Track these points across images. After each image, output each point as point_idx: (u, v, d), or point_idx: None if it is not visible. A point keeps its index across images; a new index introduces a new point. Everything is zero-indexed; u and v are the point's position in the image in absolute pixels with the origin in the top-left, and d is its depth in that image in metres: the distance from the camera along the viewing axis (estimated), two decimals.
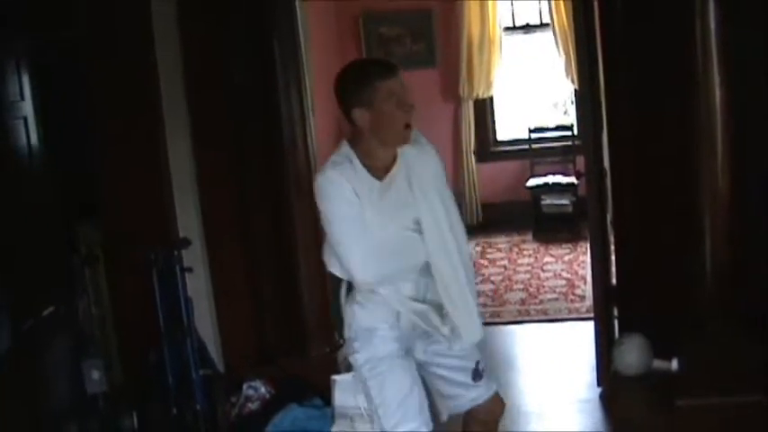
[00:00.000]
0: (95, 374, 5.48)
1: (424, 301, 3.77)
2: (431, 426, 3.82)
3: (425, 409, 3.81)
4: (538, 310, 7.78)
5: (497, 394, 4.09)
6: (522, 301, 8.05)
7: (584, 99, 5.90)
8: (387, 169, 3.69)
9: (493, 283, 8.71)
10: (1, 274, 5.69)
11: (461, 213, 3.97)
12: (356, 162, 3.63)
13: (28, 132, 6.26)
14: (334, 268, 3.78)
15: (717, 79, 5.34)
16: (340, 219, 3.62)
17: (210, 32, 6.13)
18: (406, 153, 3.71)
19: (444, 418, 3.99)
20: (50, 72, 6.24)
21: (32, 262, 5.92)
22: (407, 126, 3.64)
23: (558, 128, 10.62)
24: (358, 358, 3.81)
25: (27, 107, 6.27)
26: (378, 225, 3.61)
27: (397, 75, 3.62)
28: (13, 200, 5.92)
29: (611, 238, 6.32)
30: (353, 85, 3.65)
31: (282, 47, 6.33)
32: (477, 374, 3.91)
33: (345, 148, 3.69)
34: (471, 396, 3.95)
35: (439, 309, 3.76)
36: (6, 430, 5.25)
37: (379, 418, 3.80)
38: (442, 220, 3.75)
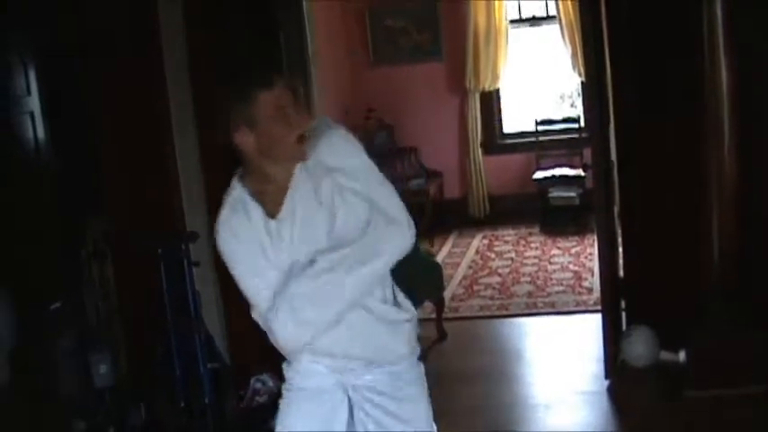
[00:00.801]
0: (103, 368, 5.49)
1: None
2: None
3: None
4: (545, 303, 7.78)
5: None
6: (530, 294, 8.04)
7: (591, 91, 5.90)
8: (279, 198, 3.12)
9: (500, 275, 8.70)
10: (8, 270, 5.71)
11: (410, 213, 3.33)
12: (248, 201, 3.16)
13: (35, 127, 6.28)
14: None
15: (724, 69, 5.34)
16: (237, 266, 3.18)
17: (217, 26, 6.11)
18: (302, 169, 3.08)
19: None
20: (56, 67, 6.25)
21: (39, 257, 5.94)
22: (301, 139, 3.00)
23: (564, 120, 10.60)
24: (283, 388, 3.31)
25: (33, 102, 6.29)
26: (288, 272, 3.07)
27: (278, 84, 2.98)
28: (19, 194, 5.94)
29: (619, 230, 6.32)
30: (233, 102, 3.08)
31: (289, 41, 6.33)
32: None
33: (234, 188, 3.23)
34: None
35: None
36: (14, 425, 5.26)
37: None
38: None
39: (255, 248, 3.11)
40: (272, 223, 3.09)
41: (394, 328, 3.17)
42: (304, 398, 3.19)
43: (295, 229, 3.07)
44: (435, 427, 3.31)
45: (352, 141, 3.14)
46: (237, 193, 3.20)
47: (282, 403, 3.26)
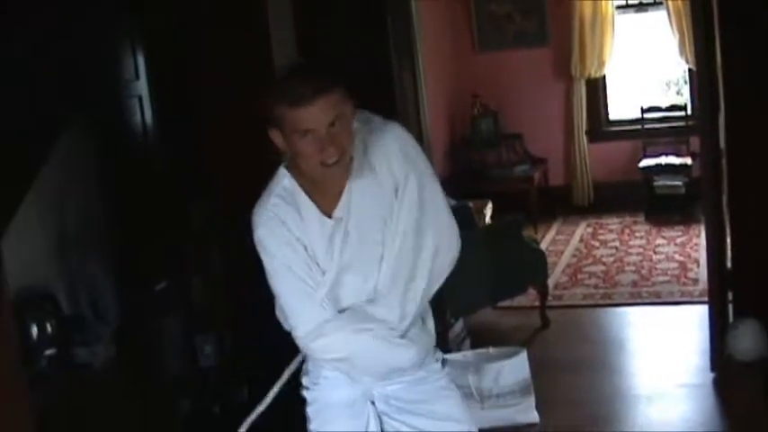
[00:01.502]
0: (207, 349, 5.57)
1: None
2: None
3: None
4: (650, 293, 7.69)
5: None
6: (634, 284, 7.96)
7: (701, 78, 5.80)
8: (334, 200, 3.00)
9: (604, 264, 8.62)
10: (116, 249, 5.82)
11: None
12: (298, 194, 3.03)
13: (143, 110, 6.38)
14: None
15: None
16: (278, 268, 3.10)
17: (325, 14, 6.15)
18: (353, 185, 2.97)
19: None
20: (164, 51, 6.34)
21: (147, 238, 6.04)
22: (327, 164, 2.86)
23: (671, 108, 10.44)
24: (306, 395, 3.27)
25: (142, 86, 6.39)
26: (334, 279, 3.00)
27: (311, 103, 2.78)
28: (128, 177, 6.04)
29: (727, 221, 6.21)
30: (269, 99, 2.89)
31: (396, 26, 6.34)
32: None
33: (284, 176, 3.09)
34: None
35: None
36: (120, 404, 5.36)
37: None
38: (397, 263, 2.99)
39: (300, 253, 3.01)
40: (328, 221, 2.99)
41: (406, 348, 3.05)
42: (336, 414, 3.16)
43: (352, 229, 2.97)
44: (475, 429, 3.24)
45: (412, 144, 3.05)
46: (287, 182, 3.05)
47: (312, 422, 3.23)
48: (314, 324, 3.03)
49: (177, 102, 6.29)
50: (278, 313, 3.22)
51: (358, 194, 2.96)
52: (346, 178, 2.95)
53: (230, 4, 5.85)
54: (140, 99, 6.42)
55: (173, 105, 6.38)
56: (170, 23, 6.15)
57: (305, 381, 3.26)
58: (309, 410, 3.23)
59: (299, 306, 3.06)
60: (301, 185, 3.00)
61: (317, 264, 3.00)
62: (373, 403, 3.15)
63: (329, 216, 2.97)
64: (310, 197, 3.00)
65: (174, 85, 6.29)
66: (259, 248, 3.12)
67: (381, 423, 3.15)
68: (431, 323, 3.19)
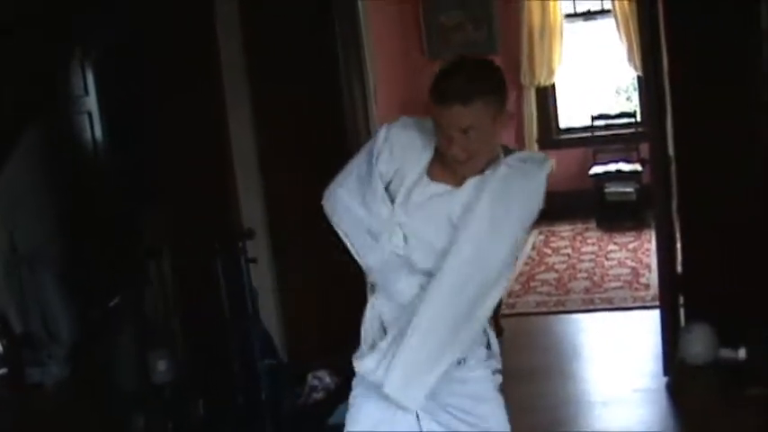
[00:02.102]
0: (162, 365, 5.53)
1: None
2: None
3: None
4: (602, 299, 7.73)
5: None
6: (587, 290, 8.00)
7: (649, 85, 5.85)
8: (452, 180, 2.98)
9: (557, 271, 8.67)
10: (68, 266, 5.77)
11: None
12: (430, 147, 3.01)
13: (92, 126, 6.35)
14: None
15: None
16: (360, 161, 3.12)
17: (272, 21, 6.14)
18: (486, 184, 2.94)
19: None
20: (113, 66, 6.31)
21: (99, 254, 6.00)
22: (457, 160, 2.90)
23: (621, 115, 10.54)
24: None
25: (91, 102, 6.36)
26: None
27: (452, 105, 2.79)
28: (78, 193, 6.00)
29: (677, 226, 6.26)
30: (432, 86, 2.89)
31: (344, 35, 6.33)
32: None
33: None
34: None
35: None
36: (74, 420, 5.32)
37: None
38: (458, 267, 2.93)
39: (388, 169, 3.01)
40: (426, 180, 2.98)
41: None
42: (372, 397, 3.17)
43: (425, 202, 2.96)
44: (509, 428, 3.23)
45: (538, 199, 3.10)
46: (431, 125, 2.96)
47: (352, 402, 3.28)
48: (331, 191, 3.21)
49: (127, 116, 6.26)
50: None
51: (466, 193, 2.94)
52: (470, 174, 2.94)
53: (177, 14, 5.82)
54: (90, 115, 6.39)
55: (123, 120, 6.35)
56: (118, 38, 6.12)
57: (354, 357, 3.29)
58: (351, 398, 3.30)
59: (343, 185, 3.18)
60: (436, 142, 2.97)
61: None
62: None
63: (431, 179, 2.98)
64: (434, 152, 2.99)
65: (125, 99, 6.26)
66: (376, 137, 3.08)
67: (419, 418, 3.11)
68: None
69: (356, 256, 3.15)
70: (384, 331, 3.14)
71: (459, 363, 3.05)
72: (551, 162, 3.10)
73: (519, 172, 2.99)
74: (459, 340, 2.99)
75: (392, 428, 3.11)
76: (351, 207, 3.11)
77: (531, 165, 3.05)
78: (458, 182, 2.95)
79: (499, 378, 3.21)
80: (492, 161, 2.95)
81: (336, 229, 3.22)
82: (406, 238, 2.96)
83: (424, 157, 2.99)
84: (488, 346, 3.19)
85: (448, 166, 2.94)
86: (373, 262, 3.07)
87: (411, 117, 3.11)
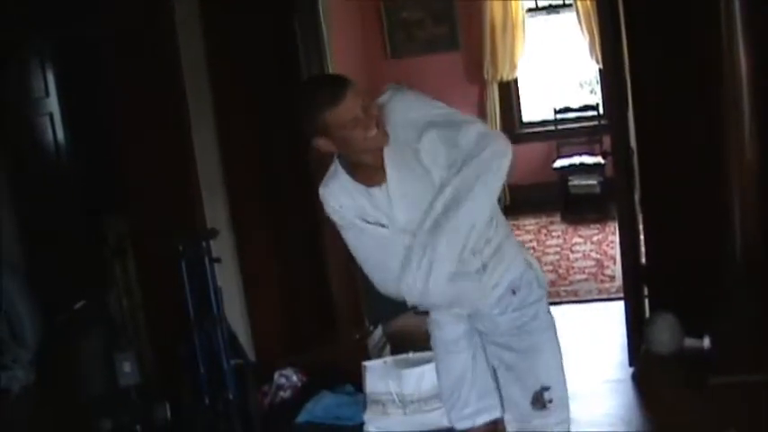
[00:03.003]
0: (127, 366, 5.51)
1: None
2: (496, 413, 3.57)
3: (485, 395, 3.55)
4: (568, 292, 7.76)
5: None
6: (552, 283, 8.01)
7: (610, 78, 5.87)
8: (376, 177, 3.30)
9: None
10: (33, 270, 5.74)
11: None
12: (347, 181, 3.34)
13: (54, 128, 6.32)
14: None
15: (742, 53, 5.31)
16: (354, 240, 3.42)
17: (233, 22, 6.12)
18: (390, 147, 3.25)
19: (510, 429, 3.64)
20: (75, 68, 6.28)
21: (63, 256, 5.97)
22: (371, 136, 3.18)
23: (583, 108, 10.55)
24: (431, 337, 3.65)
25: (52, 104, 6.33)
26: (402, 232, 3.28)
27: (344, 98, 3.08)
28: (41, 196, 5.97)
29: (640, 217, 6.29)
30: (305, 116, 3.17)
31: (304, 33, 6.32)
32: (537, 400, 3.49)
33: (337, 167, 3.39)
34: (531, 423, 3.54)
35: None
36: (40, 425, 5.29)
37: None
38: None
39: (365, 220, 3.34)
40: (376, 190, 3.28)
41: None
42: (446, 350, 3.54)
43: (402, 188, 3.25)
44: (562, 374, 3.58)
45: (421, 98, 3.41)
46: (338, 171, 3.37)
47: (435, 353, 3.61)
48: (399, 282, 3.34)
49: (90, 118, 6.23)
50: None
51: (396, 164, 3.26)
52: (381, 157, 3.25)
53: (136, 19, 5.80)
54: (51, 116, 6.36)
55: (86, 121, 6.32)
56: (80, 40, 6.09)
57: (428, 323, 3.60)
58: (434, 352, 3.63)
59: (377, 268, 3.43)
60: (348, 171, 3.33)
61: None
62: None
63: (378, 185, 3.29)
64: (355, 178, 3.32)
65: (87, 100, 6.23)
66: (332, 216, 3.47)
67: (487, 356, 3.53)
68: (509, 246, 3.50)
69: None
70: None
71: (513, 293, 3.43)
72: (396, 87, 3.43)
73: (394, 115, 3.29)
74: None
75: (464, 360, 3.52)
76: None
77: (390, 98, 3.34)
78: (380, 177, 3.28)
79: (552, 319, 3.59)
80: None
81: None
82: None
83: (356, 189, 3.32)
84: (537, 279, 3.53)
85: (366, 169, 3.30)
86: None
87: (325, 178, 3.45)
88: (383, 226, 3.31)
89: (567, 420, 3.61)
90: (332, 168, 3.40)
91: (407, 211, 3.26)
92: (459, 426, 3.62)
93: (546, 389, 3.48)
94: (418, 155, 3.24)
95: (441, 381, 3.64)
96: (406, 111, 3.31)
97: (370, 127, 3.15)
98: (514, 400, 3.53)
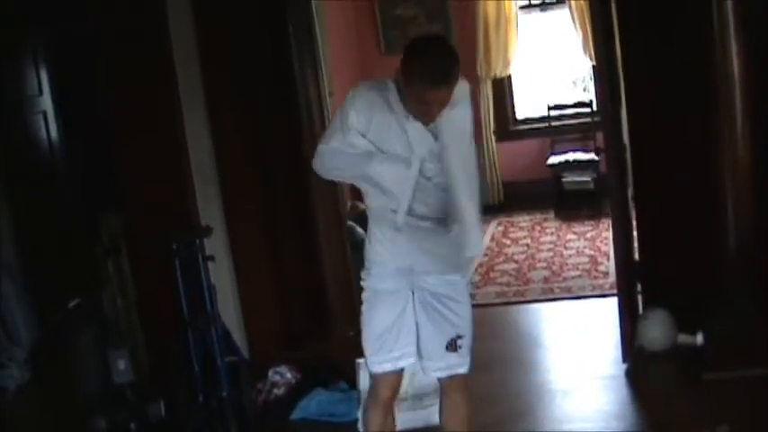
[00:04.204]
0: (122, 364, 5.51)
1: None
2: (411, 359, 4.09)
3: (407, 343, 4.05)
4: (561, 288, 7.77)
5: (462, 377, 4.20)
6: (546, 279, 8.04)
7: (602, 75, 5.88)
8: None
9: (516, 262, 8.70)
10: (27, 268, 5.74)
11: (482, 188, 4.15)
12: (393, 94, 3.74)
13: (47, 126, 6.31)
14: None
15: (734, 49, 5.34)
16: (334, 127, 3.87)
17: (225, 17, 6.13)
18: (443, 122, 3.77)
19: (422, 372, 4.21)
20: (68, 66, 6.27)
21: (57, 254, 5.96)
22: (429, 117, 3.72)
23: (577, 105, 10.58)
24: (363, 287, 4.09)
25: (46, 101, 6.32)
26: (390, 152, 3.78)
27: (439, 89, 3.59)
28: (34, 194, 5.96)
29: (633, 214, 6.31)
30: (406, 63, 3.63)
31: (297, 29, 6.32)
32: (450, 345, 4.06)
33: (388, 82, 3.80)
34: (440, 365, 4.12)
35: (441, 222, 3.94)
36: (36, 421, 5.29)
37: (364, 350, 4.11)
38: (457, 159, 3.83)
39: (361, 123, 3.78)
40: (411, 120, 3.73)
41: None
42: (381, 299, 4.01)
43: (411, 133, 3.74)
44: (471, 326, 4.12)
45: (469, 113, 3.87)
46: (388, 83, 3.78)
47: (365, 303, 4.06)
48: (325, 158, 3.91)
49: (84, 116, 6.23)
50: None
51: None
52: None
53: (129, 17, 5.80)
54: (45, 114, 6.35)
55: (79, 119, 6.32)
56: (73, 37, 6.09)
57: (362, 274, 4.08)
58: (363, 296, 4.07)
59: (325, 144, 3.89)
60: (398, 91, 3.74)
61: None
62: (413, 294, 4.01)
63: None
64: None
65: (81, 99, 6.22)
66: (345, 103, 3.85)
67: (417, 310, 4.03)
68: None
69: (356, 183, 4.01)
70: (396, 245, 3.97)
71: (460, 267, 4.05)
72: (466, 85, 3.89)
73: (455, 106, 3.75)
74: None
75: (398, 310, 4.01)
76: (337, 148, 3.82)
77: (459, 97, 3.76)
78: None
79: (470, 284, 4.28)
80: None
81: (329, 176, 4.14)
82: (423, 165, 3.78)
83: (396, 107, 3.73)
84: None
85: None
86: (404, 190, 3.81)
87: (369, 81, 3.89)
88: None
89: (468, 363, 4.15)
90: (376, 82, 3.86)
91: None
92: (379, 368, 4.09)
93: (460, 336, 4.06)
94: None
95: (370, 327, 4.05)
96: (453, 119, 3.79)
97: (429, 115, 3.68)
98: (434, 343, 4.05)
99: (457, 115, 3.78)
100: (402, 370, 4.18)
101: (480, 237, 4.10)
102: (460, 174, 3.82)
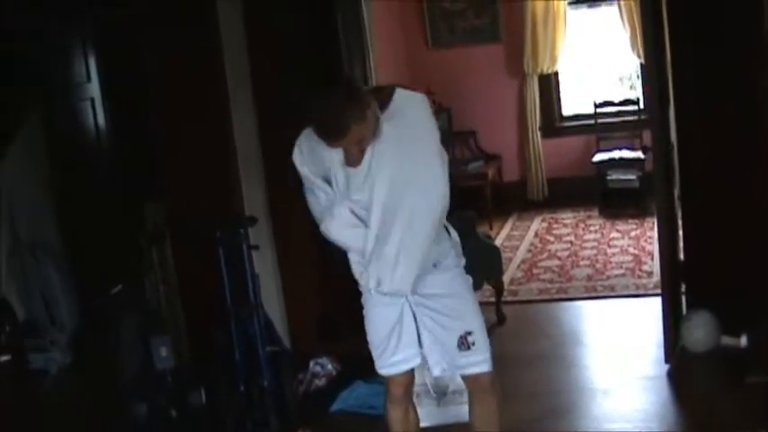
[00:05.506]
0: (163, 351, 5.53)
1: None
2: (416, 361, 4.07)
3: (409, 347, 4.02)
4: (605, 286, 7.73)
5: (486, 377, 4.12)
6: (589, 278, 8.00)
7: (651, 73, 5.83)
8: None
9: (559, 259, 8.67)
10: (71, 254, 5.78)
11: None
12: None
13: (95, 113, 6.35)
14: None
15: None
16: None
17: (274, 8, 6.13)
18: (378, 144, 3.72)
19: (436, 372, 4.12)
20: (116, 53, 6.30)
21: (101, 241, 6.00)
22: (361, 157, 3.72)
23: (623, 102, 10.51)
24: (363, 292, 4.11)
25: (94, 88, 6.35)
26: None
27: (332, 143, 3.63)
28: (81, 181, 6.00)
29: (679, 213, 6.26)
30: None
31: (345, 22, 6.33)
32: (462, 344, 4.00)
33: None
34: (455, 363, 4.05)
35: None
36: (77, 407, 5.33)
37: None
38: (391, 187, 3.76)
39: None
40: (350, 170, 3.74)
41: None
42: (382, 303, 3.98)
43: (371, 171, 3.71)
44: (481, 321, 4.08)
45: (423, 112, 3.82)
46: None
47: (364, 304, 4.11)
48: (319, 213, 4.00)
49: (131, 103, 6.26)
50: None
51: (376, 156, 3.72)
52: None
53: (179, 1, 5.81)
54: (93, 101, 6.39)
55: (126, 106, 6.34)
56: (121, 24, 6.11)
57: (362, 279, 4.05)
58: (362, 298, 4.11)
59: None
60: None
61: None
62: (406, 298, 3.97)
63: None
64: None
65: (128, 86, 6.25)
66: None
67: (414, 313, 3.98)
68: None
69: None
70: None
71: (434, 266, 3.94)
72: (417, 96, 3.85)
73: (394, 119, 3.71)
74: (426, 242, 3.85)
75: (395, 315, 3.98)
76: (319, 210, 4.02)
77: (403, 108, 3.75)
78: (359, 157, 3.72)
79: (469, 279, 4.12)
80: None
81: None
82: (366, 207, 3.79)
83: (337, 156, 3.74)
84: (456, 251, 4.07)
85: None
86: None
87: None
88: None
89: (488, 361, 4.06)
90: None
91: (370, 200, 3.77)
92: (385, 372, 4.09)
93: (469, 333, 3.98)
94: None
95: (373, 331, 4.07)
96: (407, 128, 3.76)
97: (355, 154, 3.70)
98: (443, 345, 4.00)
99: (399, 123, 3.72)
100: (411, 370, 4.16)
101: (399, 275, 3.87)
102: (386, 203, 3.75)
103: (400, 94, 3.75)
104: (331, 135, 3.56)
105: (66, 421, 5.12)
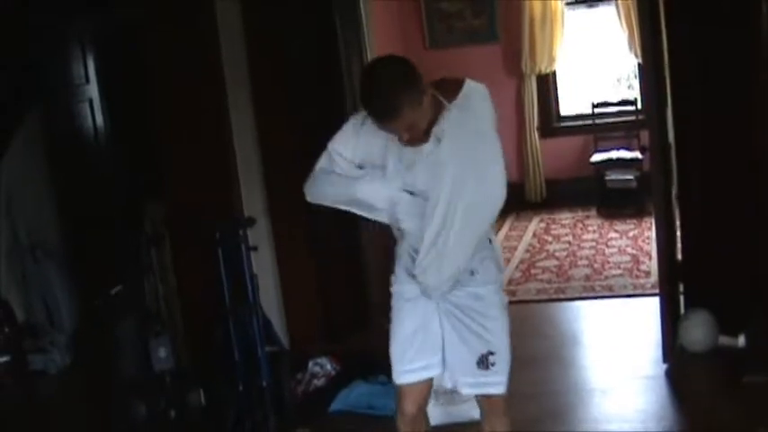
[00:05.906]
0: (162, 352, 5.54)
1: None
2: (437, 370, 3.97)
3: (432, 354, 3.93)
4: (603, 286, 7.74)
5: (499, 399, 4.05)
6: (587, 277, 8.01)
7: (648, 73, 5.85)
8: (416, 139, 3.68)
9: (557, 259, 8.68)
10: (70, 255, 5.79)
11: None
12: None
13: (93, 114, 6.36)
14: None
15: None
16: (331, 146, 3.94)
17: (272, 8, 6.13)
18: (444, 123, 3.66)
19: (448, 385, 4.07)
20: (114, 55, 6.31)
21: (100, 241, 6.01)
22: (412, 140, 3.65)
23: (621, 102, 10.51)
24: (391, 289, 4.04)
25: (92, 90, 6.37)
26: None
27: (384, 122, 3.56)
28: (80, 181, 6.01)
29: (677, 213, 6.27)
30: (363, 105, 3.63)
31: (344, 22, 6.33)
32: (482, 362, 3.89)
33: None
34: (469, 381, 3.95)
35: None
36: (76, 407, 5.34)
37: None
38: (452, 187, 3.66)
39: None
40: (409, 150, 3.67)
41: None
42: (403, 306, 3.94)
43: (438, 159, 3.62)
44: (507, 343, 3.96)
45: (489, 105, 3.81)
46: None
47: (393, 310, 4.00)
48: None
49: (129, 104, 6.26)
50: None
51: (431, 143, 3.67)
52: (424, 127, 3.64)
53: (178, 2, 5.81)
54: (91, 102, 6.40)
55: (125, 107, 6.35)
56: (119, 26, 6.12)
57: (391, 279, 4.03)
58: (392, 303, 4.02)
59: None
60: None
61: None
62: (438, 304, 3.87)
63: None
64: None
65: (126, 87, 6.25)
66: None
67: (441, 320, 3.89)
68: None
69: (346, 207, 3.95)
70: (413, 260, 3.84)
71: (471, 273, 3.81)
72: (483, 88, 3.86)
73: (464, 108, 3.70)
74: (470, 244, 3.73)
75: (422, 316, 3.89)
76: (324, 169, 3.98)
77: (472, 98, 3.76)
78: (420, 138, 3.64)
79: (505, 299, 4.01)
80: (437, 109, 3.64)
81: (318, 201, 4.03)
82: (413, 192, 3.70)
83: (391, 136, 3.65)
84: (497, 264, 3.94)
85: None
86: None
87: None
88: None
89: (504, 383, 3.97)
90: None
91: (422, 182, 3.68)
92: (403, 379, 3.99)
93: (492, 353, 3.88)
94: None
95: (393, 336, 3.99)
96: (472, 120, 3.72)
97: (405, 138, 3.62)
98: (462, 359, 3.89)
99: (467, 114, 3.70)
100: (429, 383, 4.06)
101: (445, 268, 3.73)
102: (451, 189, 3.64)
103: (469, 85, 3.75)
104: (383, 113, 3.51)
105: (66, 422, 5.13)
